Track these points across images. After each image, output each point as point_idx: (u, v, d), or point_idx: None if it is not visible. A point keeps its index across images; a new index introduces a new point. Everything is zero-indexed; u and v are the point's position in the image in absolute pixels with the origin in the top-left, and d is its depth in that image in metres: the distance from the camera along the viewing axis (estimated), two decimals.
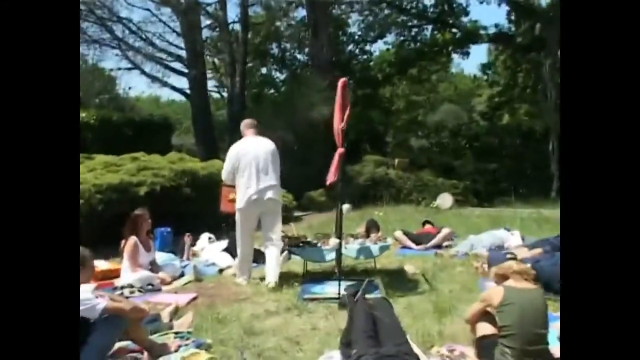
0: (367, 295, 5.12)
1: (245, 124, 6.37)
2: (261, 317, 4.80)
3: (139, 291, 5.85)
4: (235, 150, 6.08)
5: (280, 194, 6.26)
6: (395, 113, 26.78)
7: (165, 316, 4.67)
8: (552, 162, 16.95)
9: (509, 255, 4.44)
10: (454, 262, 7.00)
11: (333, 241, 5.42)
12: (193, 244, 8.21)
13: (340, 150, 5.23)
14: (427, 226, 9.00)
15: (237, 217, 6.08)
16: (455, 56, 25.22)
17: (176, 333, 4.30)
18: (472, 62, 52.92)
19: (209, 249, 7.99)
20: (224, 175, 6.17)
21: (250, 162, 5.91)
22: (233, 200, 6.11)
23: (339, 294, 5.23)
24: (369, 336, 3.46)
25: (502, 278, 3.71)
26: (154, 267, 6.39)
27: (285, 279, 6.11)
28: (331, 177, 5.29)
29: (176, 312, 4.89)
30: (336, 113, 5.24)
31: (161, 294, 5.81)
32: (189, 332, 4.32)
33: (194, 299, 5.50)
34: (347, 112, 5.26)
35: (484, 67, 26.61)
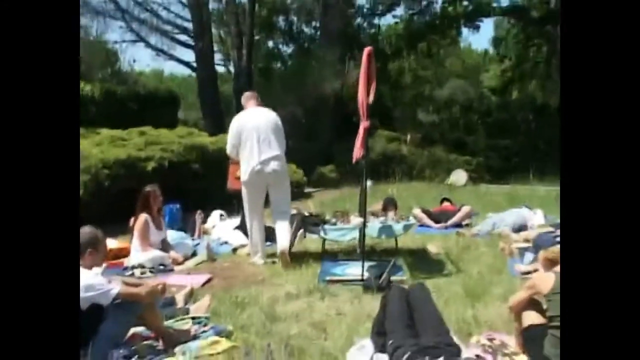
0: (393, 277, 4.88)
1: (246, 96, 6.16)
2: (282, 301, 4.53)
3: (150, 272, 5.60)
4: (236, 123, 5.84)
5: (285, 165, 5.97)
6: (405, 88, 26.27)
7: (180, 300, 4.39)
8: None
9: (559, 238, 4.12)
10: (477, 242, 6.70)
11: (356, 220, 5.12)
12: (204, 222, 7.92)
13: (365, 124, 4.91)
14: (446, 203, 8.69)
15: (243, 191, 5.88)
16: (464, 30, 24.80)
17: (193, 318, 4.02)
18: (480, 37, 51.88)
19: (220, 227, 7.69)
20: (228, 150, 5.98)
21: (251, 134, 5.68)
22: (239, 178, 5.86)
23: (362, 276, 4.95)
24: (407, 325, 3.16)
25: (551, 263, 3.40)
26: (165, 246, 6.12)
27: (302, 258, 5.86)
28: (357, 153, 4.97)
29: (191, 295, 4.61)
30: (361, 85, 4.90)
31: (174, 274, 5.54)
32: (206, 318, 4.03)
33: (209, 280, 5.23)
34: (373, 84, 4.93)
35: (495, 41, 26.01)
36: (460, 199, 9.31)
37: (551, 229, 6.61)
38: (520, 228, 7.37)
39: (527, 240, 6.36)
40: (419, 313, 3.26)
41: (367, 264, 5.36)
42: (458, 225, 7.91)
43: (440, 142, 17.18)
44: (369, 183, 5.40)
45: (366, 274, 4.92)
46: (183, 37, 20.87)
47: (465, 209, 8.02)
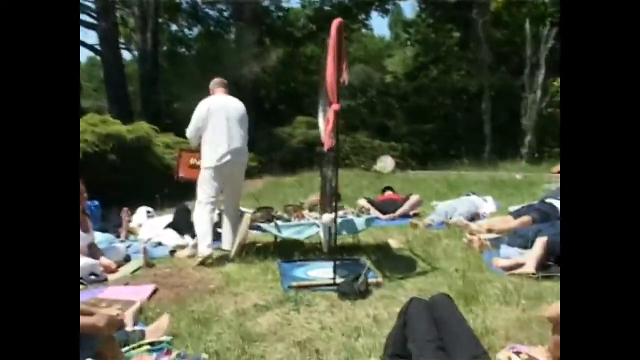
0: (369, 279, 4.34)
1: (215, 82, 5.81)
2: (250, 314, 3.88)
3: (80, 283, 4.75)
4: (205, 106, 5.48)
5: (247, 159, 5.71)
6: (314, 72, 25.73)
7: (128, 320, 3.63)
8: (486, 122, 16.62)
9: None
10: (435, 234, 6.27)
11: (326, 216, 4.51)
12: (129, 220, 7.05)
13: (335, 106, 4.29)
14: (388, 192, 8.25)
15: (203, 178, 5.44)
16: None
17: (151, 344, 3.30)
18: (381, 22, 52.10)
19: (148, 226, 6.85)
20: (190, 133, 5.59)
21: (220, 120, 5.42)
22: (195, 166, 5.32)
23: (334, 279, 4.38)
24: (438, 347, 2.62)
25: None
26: (93, 251, 5.27)
27: (252, 257, 5.28)
28: (328, 142, 4.36)
29: (140, 313, 3.87)
30: (329, 62, 4.27)
31: (109, 286, 4.72)
32: (168, 343, 3.32)
33: (154, 292, 4.47)
34: (345, 61, 4.33)
35: (405, 25, 25.96)
36: (396, 187, 8.90)
37: (509, 217, 6.33)
38: (473, 216, 7.08)
39: (489, 230, 6.04)
40: (449, 331, 2.71)
41: (329, 264, 4.83)
42: (406, 215, 7.48)
43: (362, 127, 16.80)
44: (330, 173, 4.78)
45: (337, 278, 4.36)
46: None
47: (414, 198, 7.60)
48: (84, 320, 2.64)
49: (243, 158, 5.52)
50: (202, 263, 5.16)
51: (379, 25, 72.94)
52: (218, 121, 5.41)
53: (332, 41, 4.28)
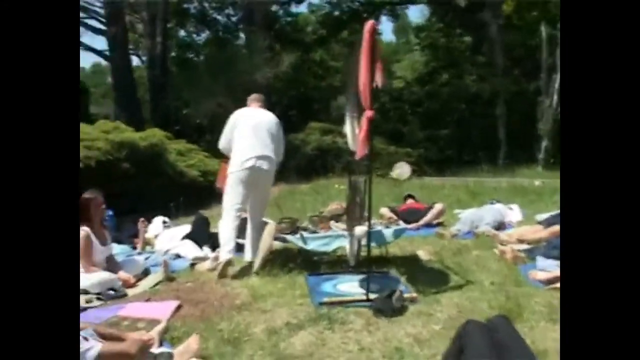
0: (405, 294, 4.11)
1: (251, 98, 5.78)
2: (283, 333, 3.65)
3: (98, 299, 4.54)
4: (234, 117, 5.55)
5: (274, 170, 5.45)
6: (323, 78, 25.57)
7: (155, 341, 3.40)
8: (500, 127, 16.35)
9: None
10: (464, 245, 6.03)
11: (359, 229, 4.29)
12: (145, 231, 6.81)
13: (369, 113, 4.07)
14: (410, 201, 8.00)
15: (228, 184, 5.37)
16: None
17: None
18: (387, 27, 51.75)
19: (165, 236, 6.61)
20: (221, 144, 5.58)
21: (247, 129, 5.36)
22: None
23: (367, 295, 4.15)
24: None
25: None
26: (111, 264, 5.06)
27: (277, 269, 5.06)
28: (361, 150, 4.13)
29: (165, 332, 3.65)
30: (363, 66, 4.04)
31: (129, 302, 4.50)
32: None
33: (178, 308, 4.25)
34: (379, 64, 4.10)
35: (417, 30, 25.73)
36: (417, 195, 8.66)
37: (539, 226, 6.11)
38: (499, 225, 6.84)
39: (520, 241, 5.80)
40: (511, 357, 2.48)
41: (358, 277, 4.61)
42: (429, 224, 7.24)
43: (376, 133, 16.54)
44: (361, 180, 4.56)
45: (371, 294, 4.13)
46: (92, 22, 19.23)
47: (438, 207, 7.35)
48: (114, 346, 2.45)
49: (268, 166, 5.31)
50: (223, 274, 4.96)
51: (384, 30, 72.65)
52: (244, 129, 5.35)
53: (365, 43, 4.05)
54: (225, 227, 5.28)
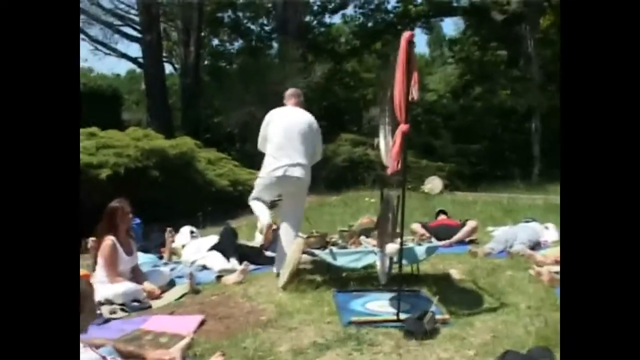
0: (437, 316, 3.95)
1: (288, 93, 5.64)
2: (310, 354, 3.51)
3: (122, 310, 4.46)
4: (268, 117, 5.40)
5: (309, 176, 5.32)
6: (355, 89, 25.46)
7: (177, 357, 3.29)
8: (534, 143, 16.04)
9: None
10: (498, 264, 5.82)
11: (391, 246, 4.13)
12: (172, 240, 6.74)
13: (404, 127, 3.93)
14: (442, 217, 7.80)
15: (257, 184, 5.45)
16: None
17: None
18: (420, 39, 51.42)
19: (192, 247, 6.51)
20: (259, 145, 5.49)
21: (279, 132, 5.23)
22: None
23: (397, 315, 3.99)
24: None
25: None
26: (137, 275, 4.99)
27: (304, 285, 4.95)
28: (394, 165, 3.99)
29: (189, 348, 3.54)
30: (398, 78, 3.92)
31: (153, 314, 4.41)
32: None
33: (202, 323, 4.14)
34: (415, 76, 3.95)
35: (451, 43, 25.49)
36: (449, 210, 8.46)
37: None
38: (534, 245, 6.60)
39: (557, 262, 5.56)
40: None
41: (387, 296, 4.45)
42: (461, 242, 7.03)
43: (408, 146, 16.34)
44: (393, 193, 4.43)
45: (401, 314, 3.97)
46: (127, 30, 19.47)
47: (472, 224, 7.13)
48: None
49: (300, 174, 5.14)
50: (268, 237, 5.65)
51: (418, 42, 72.40)
52: (275, 133, 5.22)
53: (402, 53, 3.91)
54: (256, 204, 5.37)
